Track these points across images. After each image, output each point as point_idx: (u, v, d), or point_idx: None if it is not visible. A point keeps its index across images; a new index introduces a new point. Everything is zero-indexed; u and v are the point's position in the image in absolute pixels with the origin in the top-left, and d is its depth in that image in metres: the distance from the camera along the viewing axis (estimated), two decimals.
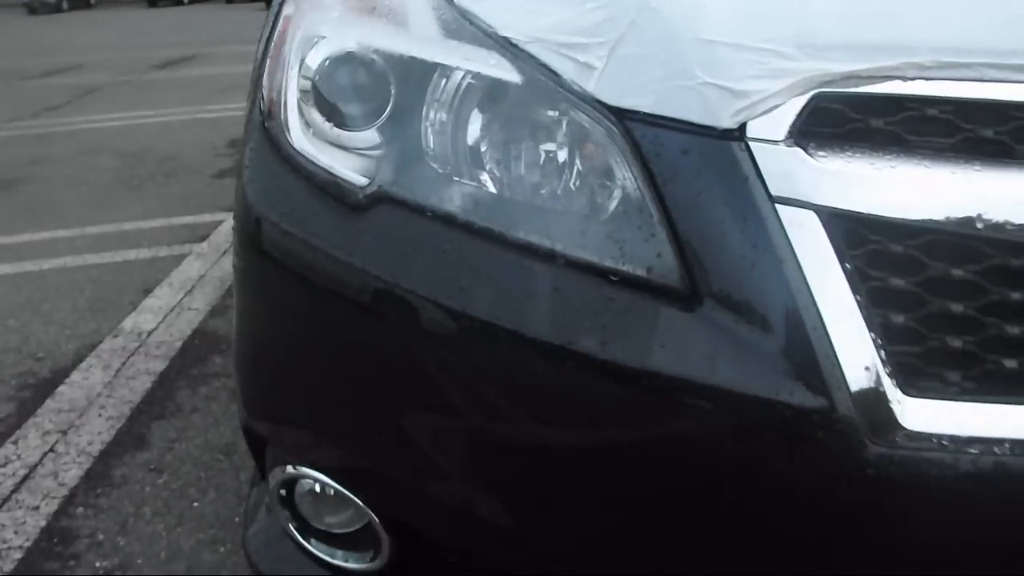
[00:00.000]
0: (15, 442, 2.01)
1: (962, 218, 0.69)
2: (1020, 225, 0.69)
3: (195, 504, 1.75)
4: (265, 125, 0.94)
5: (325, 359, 0.91)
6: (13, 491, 1.81)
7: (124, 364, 2.38)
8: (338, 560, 1.01)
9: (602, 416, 0.74)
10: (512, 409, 0.78)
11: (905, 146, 0.72)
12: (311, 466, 0.97)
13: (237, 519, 1.67)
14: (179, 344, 2.49)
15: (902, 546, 0.71)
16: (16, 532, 1.68)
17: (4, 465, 1.90)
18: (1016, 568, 0.70)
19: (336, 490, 0.96)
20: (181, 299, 2.84)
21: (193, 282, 3.00)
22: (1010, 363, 0.70)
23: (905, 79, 0.72)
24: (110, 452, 1.94)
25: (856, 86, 0.72)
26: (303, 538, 1.02)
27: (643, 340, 0.71)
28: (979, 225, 0.69)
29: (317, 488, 1.00)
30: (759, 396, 0.69)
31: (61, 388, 2.26)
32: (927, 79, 0.72)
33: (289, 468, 0.98)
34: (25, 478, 1.86)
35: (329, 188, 0.87)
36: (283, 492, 1.01)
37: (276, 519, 1.09)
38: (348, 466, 0.95)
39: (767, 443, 0.70)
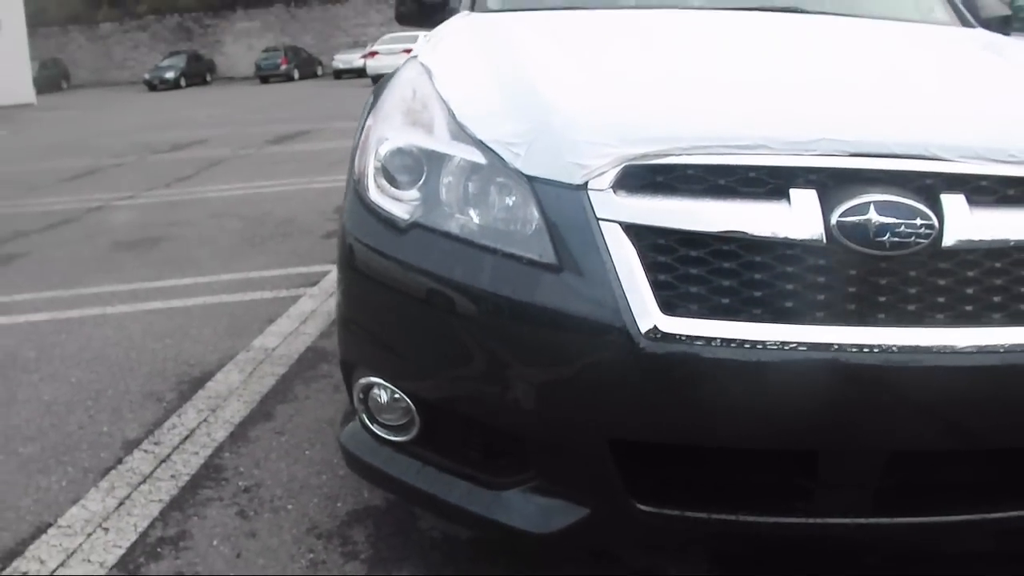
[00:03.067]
0: (178, 415, 2.77)
1: (697, 225, 1.37)
2: (726, 227, 1.36)
3: (307, 452, 2.48)
4: (356, 188, 1.69)
5: (388, 315, 1.63)
6: (180, 443, 2.57)
7: (255, 369, 3.13)
8: (389, 436, 1.71)
9: (519, 330, 1.43)
10: (475, 329, 1.48)
11: (673, 190, 1.40)
12: (381, 377, 1.67)
13: (335, 460, 2.39)
14: (296, 356, 3.23)
15: (660, 391, 1.38)
16: (184, 465, 2.43)
17: (173, 428, 2.68)
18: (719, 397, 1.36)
19: (393, 395, 1.67)
20: (297, 327, 3.57)
21: (307, 315, 3.73)
22: (724, 300, 1.36)
23: (676, 155, 1.41)
24: (247, 422, 2.69)
25: (648, 160, 1.42)
26: (371, 423, 1.73)
27: (533, 289, 1.41)
28: (708, 229, 1.37)
29: (382, 397, 1.71)
30: (588, 317, 1.37)
31: (209, 384, 3.02)
32: (688, 155, 1.41)
33: (364, 380, 1.69)
34: (187, 436, 2.61)
35: (388, 221, 1.60)
36: (362, 396, 1.72)
37: (356, 423, 1.80)
38: (401, 377, 1.66)
39: (592, 340, 1.37)
